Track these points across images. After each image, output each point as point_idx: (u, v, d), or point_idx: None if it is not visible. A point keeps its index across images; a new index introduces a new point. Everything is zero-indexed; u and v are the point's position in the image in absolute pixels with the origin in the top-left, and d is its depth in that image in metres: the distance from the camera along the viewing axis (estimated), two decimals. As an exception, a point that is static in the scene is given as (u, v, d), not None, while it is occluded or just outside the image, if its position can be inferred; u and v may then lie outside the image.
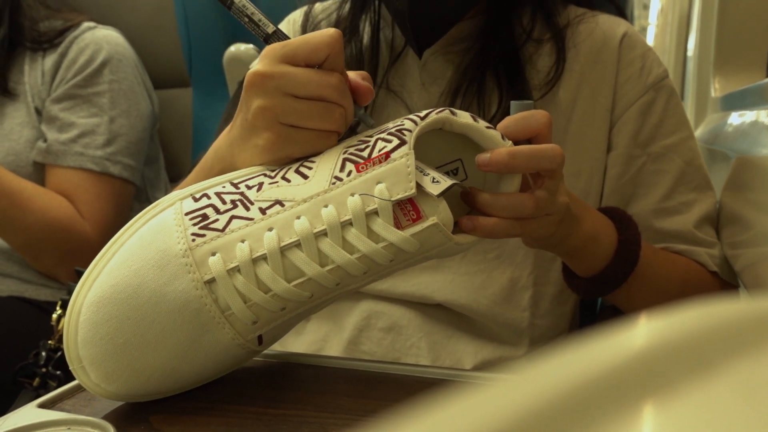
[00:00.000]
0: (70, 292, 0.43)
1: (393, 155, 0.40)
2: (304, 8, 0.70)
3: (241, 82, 0.46)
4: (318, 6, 0.69)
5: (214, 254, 0.39)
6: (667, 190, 0.62)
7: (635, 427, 0.12)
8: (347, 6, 0.65)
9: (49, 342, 0.82)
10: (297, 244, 0.39)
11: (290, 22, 0.71)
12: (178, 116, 1.23)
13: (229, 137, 0.50)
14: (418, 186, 0.39)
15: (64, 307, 0.83)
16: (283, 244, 0.39)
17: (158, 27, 1.22)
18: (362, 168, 0.40)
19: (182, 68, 1.21)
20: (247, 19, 0.47)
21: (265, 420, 0.40)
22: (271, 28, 0.46)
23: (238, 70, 1.02)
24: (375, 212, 0.39)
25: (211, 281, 0.39)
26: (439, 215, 0.39)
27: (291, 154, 0.43)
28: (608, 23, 0.65)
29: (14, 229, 0.92)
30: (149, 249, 0.40)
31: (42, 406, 0.42)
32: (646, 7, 1.65)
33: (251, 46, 1.07)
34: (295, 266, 0.39)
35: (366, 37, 0.65)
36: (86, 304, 0.39)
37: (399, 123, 0.42)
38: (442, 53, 0.63)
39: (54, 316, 0.82)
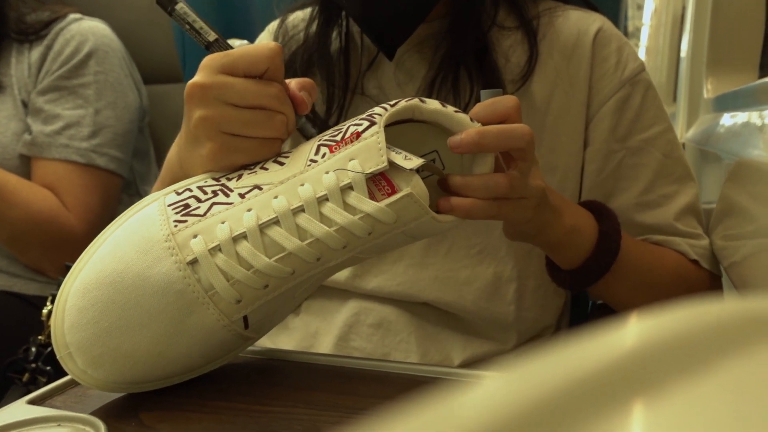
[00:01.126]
0: (59, 287, 0.43)
1: (364, 134, 0.41)
2: (280, 19, 0.70)
3: None
4: (292, 18, 0.69)
5: (195, 236, 0.40)
6: (647, 183, 0.63)
7: (625, 426, 0.12)
8: (314, 25, 0.65)
9: (39, 337, 0.81)
10: (275, 221, 0.40)
11: (270, 31, 0.71)
12: (172, 111, 1.22)
13: (177, 148, 0.51)
14: (392, 163, 0.40)
15: (53, 302, 0.82)
16: (261, 221, 0.40)
17: (152, 22, 1.21)
18: (335, 149, 0.42)
19: (176, 63, 1.21)
20: (188, 27, 0.47)
21: (256, 417, 0.40)
22: (212, 36, 0.47)
23: (232, 66, 1.02)
24: (349, 186, 0.40)
25: (193, 262, 0.40)
26: (413, 187, 0.40)
27: (235, 161, 0.44)
28: (582, 19, 0.65)
29: (0, 221, 0.92)
30: (133, 237, 0.41)
31: (32, 402, 0.42)
32: (639, 7, 1.66)
33: (245, 42, 1.06)
34: (275, 242, 0.40)
35: (338, 48, 0.65)
36: (73, 292, 0.40)
37: (369, 111, 0.43)
38: (416, 51, 0.63)
39: (44, 311, 0.82)
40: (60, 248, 0.93)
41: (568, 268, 0.57)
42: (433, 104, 0.44)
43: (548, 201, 0.49)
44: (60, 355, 0.40)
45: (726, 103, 0.87)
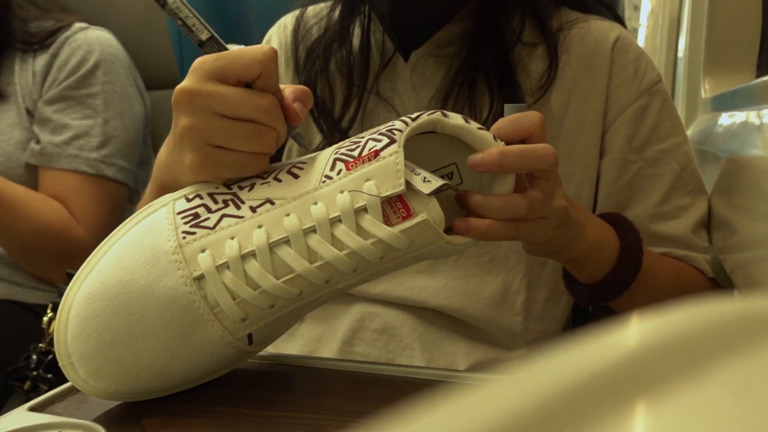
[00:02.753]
0: (61, 295, 0.43)
1: (382, 153, 0.40)
2: (296, 12, 0.69)
3: None
4: (310, 10, 0.68)
5: (203, 251, 0.39)
6: (663, 194, 0.62)
7: (628, 427, 0.12)
8: (337, 11, 0.65)
9: (40, 345, 0.81)
10: (286, 241, 0.39)
11: (281, 27, 0.70)
12: (170, 118, 1.22)
13: (165, 151, 0.49)
14: (409, 185, 0.39)
15: (55, 310, 0.82)
16: (271, 240, 0.39)
17: (150, 27, 1.21)
18: (352, 166, 0.40)
19: (174, 69, 1.21)
20: (180, 23, 0.44)
21: (259, 422, 0.40)
22: (205, 35, 0.44)
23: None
24: (364, 209, 0.39)
25: (200, 277, 0.39)
26: (429, 213, 0.39)
27: (218, 175, 0.42)
28: (601, 27, 0.65)
29: (8, 235, 0.92)
30: (140, 246, 0.40)
31: (33, 409, 0.42)
32: (636, 8, 1.66)
33: (242, 46, 1.06)
34: (284, 262, 0.39)
35: (357, 42, 0.64)
36: (77, 301, 0.40)
37: (390, 124, 0.42)
38: (432, 56, 0.63)
39: (45, 319, 0.82)
40: (69, 259, 0.93)
41: (587, 282, 0.56)
42: (455, 119, 0.43)
43: (570, 219, 0.48)
44: (62, 363, 0.40)
45: (724, 102, 0.87)
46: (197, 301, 0.39)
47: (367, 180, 0.39)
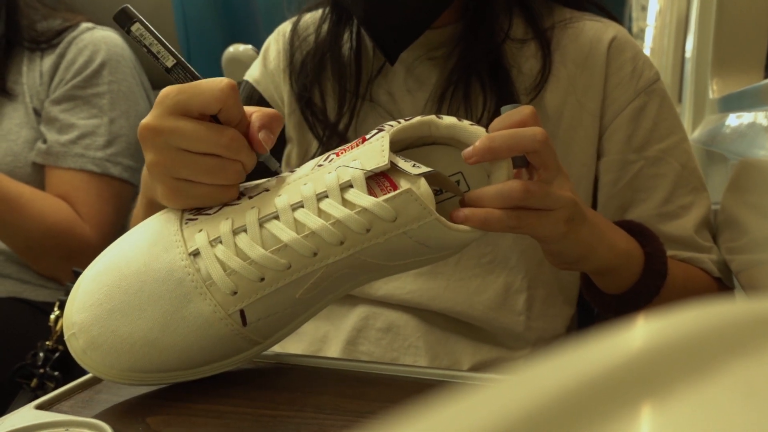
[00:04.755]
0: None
1: (370, 139, 0.42)
2: (294, 19, 0.69)
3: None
4: (308, 17, 0.69)
5: (200, 231, 0.42)
6: (666, 194, 0.62)
7: (634, 428, 0.12)
8: (326, 24, 0.65)
9: (48, 343, 0.82)
10: (275, 216, 0.41)
11: (279, 34, 0.70)
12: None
13: (146, 175, 0.52)
14: (396, 167, 0.41)
15: (62, 307, 0.83)
16: (261, 215, 0.41)
17: (156, 27, 1.22)
18: (341, 152, 0.43)
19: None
20: (145, 50, 0.44)
21: (263, 421, 0.40)
22: (171, 62, 0.43)
23: (237, 71, 1.02)
24: (350, 185, 0.40)
25: (195, 253, 0.42)
26: (413, 185, 0.40)
27: (188, 205, 0.44)
28: (596, 27, 0.64)
29: (14, 233, 0.92)
30: (148, 231, 0.44)
31: (40, 407, 0.42)
32: (644, 8, 1.65)
33: (250, 46, 1.07)
34: (272, 234, 0.41)
35: (349, 50, 0.64)
36: (87, 277, 0.43)
37: (381, 125, 0.44)
38: (427, 58, 0.63)
39: (52, 317, 0.82)
40: (75, 258, 0.94)
41: (614, 293, 0.56)
42: (448, 119, 0.44)
43: (584, 215, 0.47)
44: (66, 336, 0.42)
45: (731, 103, 0.86)
46: (191, 274, 0.41)
47: (354, 160, 0.41)
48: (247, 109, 0.44)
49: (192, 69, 0.44)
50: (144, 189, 0.56)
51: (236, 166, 0.42)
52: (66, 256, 0.94)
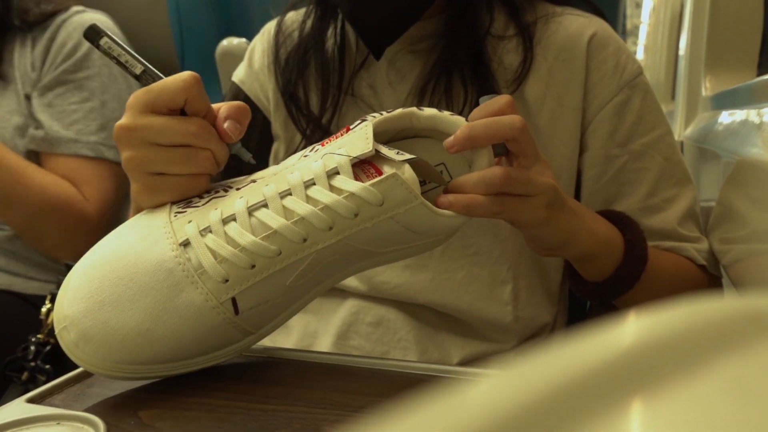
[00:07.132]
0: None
1: (354, 128, 0.43)
2: (279, 18, 0.70)
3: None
4: (292, 15, 0.69)
5: (190, 222, 0.43)
6: (650, 187, 0.62)
7: (623, 424, 0.12)
8: (310, 20, 0.66)
9: (38, 336, 0.81)
10: (264, 204, 0.42)
11: (265, 33, 0.71)
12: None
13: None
14: (381, 154, 0.42)
15: (53, 300, 0.82)
16: (250, 204, 0.42)
17: (150, 21, 1.21)
18: (326, 143, 0.44)
19: (174, 62, 1.21)
20: (115, 61, 0.47)
21: (255, 415, 0.40)
22: (139, 69, 0.47)
23: (231, 64, 1.02)
24: (336, 172, 0.41)
25: (185, 243, 0.42)
26: (398, 169, 0.41)
27: (161, 200, 0.45)
28: (578, 22, 0.64)
29: (17, 205, 0.92)
30: (137, 226, 0.44)
31: (31, 401, 0.42)
32: (638, 5, 1.66)
33: (243, 40, 1.06)
34: (262, 222, 0.41)
35: (332, 44, 0.65)
36: (78, 270, 0.43)
37: (364, 116, 0.45)
38: (409, 51, 0.63)
39: (43, 309, 0.82)
40: (77, 233, 0.94)
41: (595, 280, 0.57)
42: (429, 110, 0.45)
43: (564, 202, 0.49)
44: (58, 329, 0.42)
45: (724, 101, 0.87)
46: (182, 264, 0.41)
47: (340, 149, 0.42)
48: (216, 105, 0.46)
49: (158, 72, 0.47)
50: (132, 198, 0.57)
51: (206, 153, 0.44)
52: (68, 231, 0.95)
